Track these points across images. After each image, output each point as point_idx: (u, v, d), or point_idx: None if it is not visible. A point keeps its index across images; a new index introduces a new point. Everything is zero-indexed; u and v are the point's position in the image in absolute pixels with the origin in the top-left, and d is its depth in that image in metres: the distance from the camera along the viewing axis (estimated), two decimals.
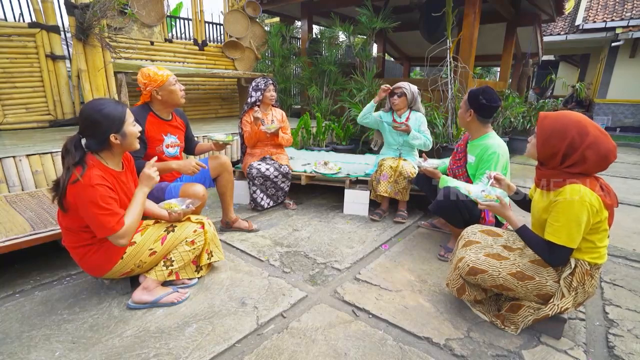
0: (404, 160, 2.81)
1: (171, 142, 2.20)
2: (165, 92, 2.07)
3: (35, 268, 2.05)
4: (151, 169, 1.64)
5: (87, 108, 1.47)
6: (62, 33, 4.20)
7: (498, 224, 2.12)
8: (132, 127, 1.55)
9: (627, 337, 1.57)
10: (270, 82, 3.02)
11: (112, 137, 1.48)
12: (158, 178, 1.66)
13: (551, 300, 1.46)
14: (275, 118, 3.09)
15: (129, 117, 1.56)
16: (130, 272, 1.68)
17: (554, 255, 1.40)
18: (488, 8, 5.20)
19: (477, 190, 1.67)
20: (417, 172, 2.65)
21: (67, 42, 4.40)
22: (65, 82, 4.19)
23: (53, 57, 4.05)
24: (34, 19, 3.97)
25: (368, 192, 2.92)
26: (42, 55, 3.98)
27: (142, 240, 1.65)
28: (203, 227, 1.81)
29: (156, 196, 2.04)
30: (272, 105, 3.13)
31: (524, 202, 1.72)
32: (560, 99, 10.72)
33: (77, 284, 1.90)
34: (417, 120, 2.87)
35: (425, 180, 2.47)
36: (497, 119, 5.30)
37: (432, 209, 2.16)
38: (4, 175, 2.53)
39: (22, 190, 2.60)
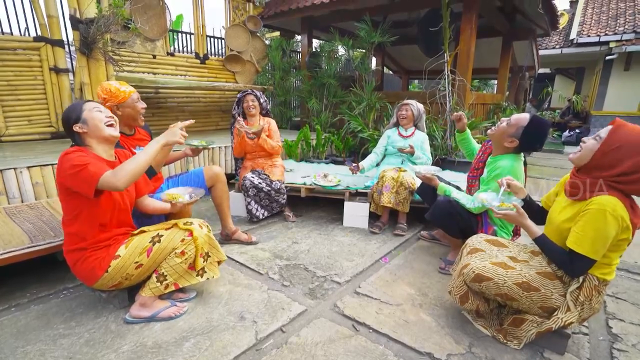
0: (404, 171, 2.84)
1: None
2: (126, 109, 1.98)
3: (32, 281, 2.03)
4: (178, 128, 1.63)
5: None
6: (66, 47, 4.26)
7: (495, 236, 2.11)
8: (93, 113, 1.55)
9: (632, 353, 1.54)
10: (248, 92, 3.06)
11: (76, 128, 1.53)
12: (182, 139, 1.61)
13: (555, 314, 1.44)
14: (262, 126, 3.06)
15: (89, 105, 1.57)
16: (119, 284, 1.63)
17: (575, 266, 1.36)
18: (484, 23, 5.30)
19: (491, 199, 1.59)
20: (417, 182, 2.67)
21: (70, 55, 4.46)
22: (68, 94, 4.23)
23: (57, 70, 4.10)
24: (39, 33, 4.04)
25: (368, 204, 2.92)
26: (46, 68, 4.03)
27: (127, 254, 1.58)
28: (191, 234, 1.68)
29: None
30: (262, 115, 3.17)
31: (534, 211, 1.68)
32: (557, 111, 10.83)
33: (74, 298, 1.88)
34: (420, 139, 3.04)
35: (428, 190, 2.47)
36: None
37: (428, 217, 2.16)
38: (4, 187, 2.53)
39: (22, 201, 2.59)
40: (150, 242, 1.62)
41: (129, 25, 4.23)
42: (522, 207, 1.55)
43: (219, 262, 1.86)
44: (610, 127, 1.34)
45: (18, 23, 4.21)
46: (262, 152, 3.11)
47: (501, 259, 1.58)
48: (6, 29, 4.19)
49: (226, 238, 2.60)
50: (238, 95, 3.09)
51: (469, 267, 1.54)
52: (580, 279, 1.40)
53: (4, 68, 3.81)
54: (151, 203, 1.79)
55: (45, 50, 4.00)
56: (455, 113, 2.43)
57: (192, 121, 1.87)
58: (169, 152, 2.11)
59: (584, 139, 1.39)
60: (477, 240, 1.75)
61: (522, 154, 1.98)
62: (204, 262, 1.76)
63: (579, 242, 1.32)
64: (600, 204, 1.27)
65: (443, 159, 4.14)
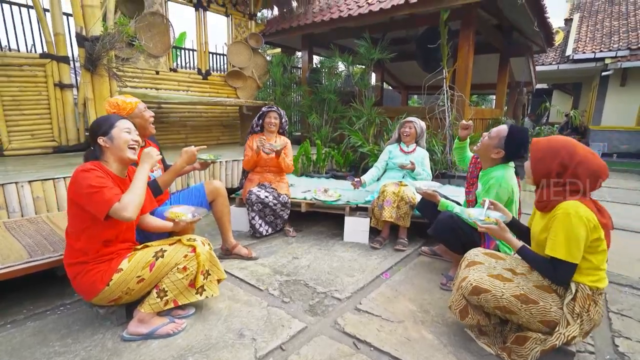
0: (405, 185, 2.85)
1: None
2: (135, 121, 2.01)
3: (29, 297, 2.01)
4: (151, 148, 1.67)
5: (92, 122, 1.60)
6: (71, 63, 4.34)
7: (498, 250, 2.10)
8: (122, 133, 1.58)
9: None
10: (273, 109, 3.10)
11: (100, 140, 1.55)
12: (158, 157, 1.67)
13: (557, 329, 1.42)
14: (284, 145, 3.11)
15: (122, 124, 1.60)
16: (119, 299, 1.62)
17: (558, 272, 1.41)
18: (482, 39, 5.41)
19: (476, 214, 1.70)
20: (418, 197, 2.67)
21: (75, 71, 4.54)
22: (72, 109, 4.28)
23: (61, 86, 4.17)
24: (45, 49, 4.13)
25: (368, 219, 2.92)
26: (51, 84, 4.10)
27: (130, 267, 1.58)
28: (194, 250, 1.69)
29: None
30: (278, 133, 3.19)
31: (521, 233, 1.72)
32: (555, 125, 10.92)
33: (71, 314, 1.85)
34: (421, 155, 3.09)
35: (428, 205, 2.47)
36: None
37: (431, 232, 2.15)
38: (5, 201, 2.53)
39: (22, 216, 2.59)
40: (153, 256, 1.62)
41: (134, 43, 4.32)
42: (513, 230, 1.69)
43: (218, 281, 1.88)
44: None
45: (25, 40, 4.30)
46: (273, 167, 3.12)
47: (499, 271, 1.59)
48: (13, 45, 4.28)
49: (226, 253, 2.58)
50: (263, 109, 3.11)
51: (466, 280, 1.54)
52: (573, 289, 1.41)
53: (10, 84, 3.87)
54: (153, 221, 1.79)
55: (51, 66, 4.08)
56: (464, 122, 2.43)
57: (204, 146, 2.07)
58: (176, 174, 2.12)
59: (525, 163, 1.56)
60: (475, 253, 1.76)
61: (511, 163, 2.05)
62: (204, 279, 1.77)
63: (554, 248, 1.39)
64: (563, 209, 1.37)
65: (443, 174, 4.15)
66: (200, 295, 1.76)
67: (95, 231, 1.54)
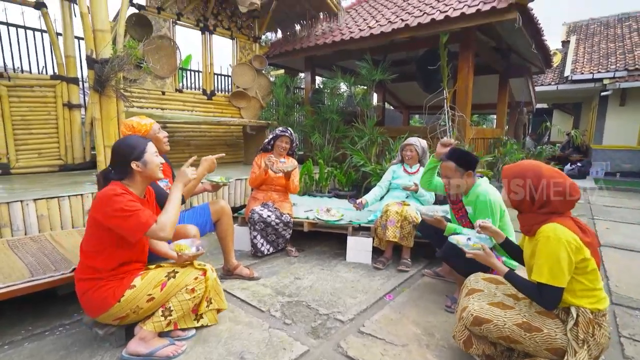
0: (408, 205, 2.84)
1: (164, 186, 2.23)
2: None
3: (28, 316, 1.99)
4: (187, 167, 1.75)
5: (116, 143, 1.63)
6: (80, 83, 4.46)
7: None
8: (153, 157, 1.64)
9: None
10: (287, 133, 3.12)
11: (133, 165, 1.59)
12: (193, 176, 1.75)
13: (565, 358, 1.38)
14: (294, 167, 3.14)
15: (151, 148, 1.66)
16: (125, 317, 1.62)
17: (544, 297, 1.39)
18: (481, 61, 5.53)
19: (464, 239, 1.73)
20: (420, 217, 2.66)
21: (84, 91, 4.66)
22: (79, 129, 4.37)
23: (70, 106, 4.27)
24: (56, 71, 4.25)
25: (371, 239, 2.90)
26: (60, 104, 4.20)
27: (142, 285, 1.61)
28: (205, 274, 1.76)
29: None
30: (288, 155, 3.23)
31: (515, 253, 1.71)
32: (557, 144, 10.96)
33: (70, 335, 1.83)
34: None
35: (429, 226, 2.45)
36: (497, 165, 5.40)
37: (441, 256, 2.13)
38: (9, 219, 2.55)
39: (25, 234, 2.60)
40: (165, 276, 1.67)
41: (141, 65, 4.44)
42: (505, 248, 1.72)
43: (218, 311, 1.92)
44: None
45: (37, 62, 4.44)
46: (279, 186, 3.14)
47: (500, 298, 1.56)
48: (25, 67, 4.41)
49: (227, 273, 2.56)
50: (276, 131, 3.14)
51: (467, 311, 1.51)
52: (574, 314, 1.37)
53: (20, 104, 3.97)
54: (161, 246, 1.83)
55: (61, 87, 4.19)
56: (445, 139, 2.39)
57: (222, 155, 2.19)
58: (197, 181, 2.17)
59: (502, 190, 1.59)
60: (474, 279, 1.73)
61: (484, 179, 2.20)
62: (207, 306, 1.82)
63: (538, 272, 1.38)
64: (544, 232, 1.38)
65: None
66: (198, 322, 1.82)
67: (113, 252, 1.57)
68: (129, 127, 2.05)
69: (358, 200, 3.01)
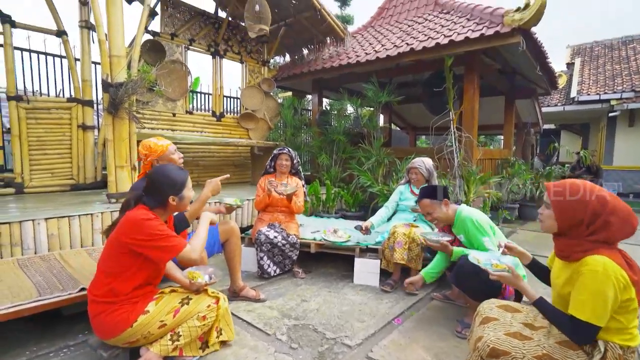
0: (417, 226, 2.81)
1: None
2: (165, 162, 2.14)
3: (33, 336, 1.98)
4: (212, 214, 1.87)
5: (156, 172, 1.67)
6: (94, 105, 4.61)
7: (519, 296, 2.01)
8: (189, 192, 1.71)
9: None
10: (284, 151, 3.16)
11: (170, 199, 1.63)
12: (216, 219, 1.88)
13: None
14: (290, 185, 3.15)
15: (189, 182, 1.71)
16: (136, 342, 1.61)
17: (579, 333, 1.28)
18: (486, 83, 5.58)
19: (486, 259, 1.61)
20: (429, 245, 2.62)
21: (98, 113, 4.81)
22: (91, 149, 4.48)
23: (84, 127, 4.40)
24: (72, 94, 4.41)
25: (379, 261, 2.86)
26: (75, 125, 4.34)
27: (156, 310, 1.60)
28: (218, 302, 1.77)
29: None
30: (291, 174, 3.24)
31: (543, 274, 1.64)
32: (566, 165, 10.85)
33: (74, 357, 1.81)
34: None
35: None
36: (505, 185, 5.35)
37: (452, 280, 2.08)
38: (21, 238, 2.58)
39: (35, 253, 2.62)
40: (179, 302, 1.67)
41: (154, 88, 4.59)
42: (534, 271, 1.60)
43: (224, 342, 1.90)
44: (546, 192, 1.44)
45: (55, 85, 4.63)
46: (284, 207, 3.15)
47: (516, 327, 1.47)
48: (42, 90, 4.59)
49: (234, 294, 2.53)
50: (274, 152, 3.20)
51: (482, 341, 1.43)
52: (602, 348, 1.28)
53: (37, 126, 4.11)
54: (174, 270, 1.84)
55: (76, 109, 4.34)
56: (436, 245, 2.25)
57: (227, 176, 2.29)
58: (202, 203, 2.18)
59: (540, 210, 1.47)
60: (488, 307, 1.65)
61: (463, 205, 2.26)
62: (216, 337, 1.80)
63: (579, 309, 1.27)
64: (591, 265, 1.25)
65: None
66: (203, 351, 1.80)
67: (133, 275, 1.58)
68: (146, 147, 2.12)
69: (363, 226, 2.98)
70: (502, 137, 8.15)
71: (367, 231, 2.96)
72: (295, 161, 3.25)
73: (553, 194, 1.39)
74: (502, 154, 6.20)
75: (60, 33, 4.33)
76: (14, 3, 4.89)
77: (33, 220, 2.63)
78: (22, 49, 4.28)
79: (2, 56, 3.96)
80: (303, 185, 3.31)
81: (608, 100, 8.95)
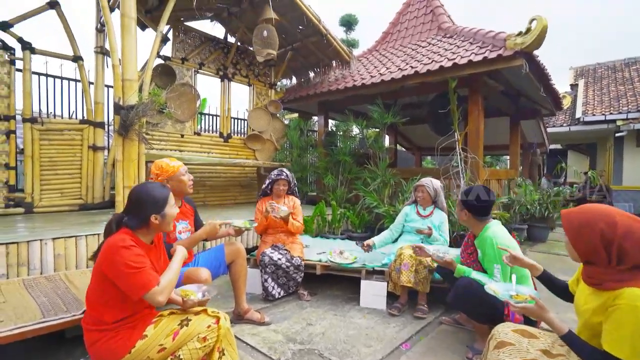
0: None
1: (183, 228, 2.26)
2: (174, 182, 2.17)
3: (35, 358, 1.95)
4: (185, 251, 1.76)
5: (135, 190, 1.63)
6: (105, 127, 4.73)
7: (528, 321, 1.94)
8: (171, 209, 1.65)
9: None
10: (283, 176, 3.09)
11: (152, 217, 1.58)
12: (187, 256, 1.75)
13: None
14: (287, 205, 3.13)
15: (171, 199, 1.67)
16: None
17: None
18: (491, 104, 5.63)
19: (504, 290, 1.52)
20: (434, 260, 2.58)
21: (108, 134, 4.92)
22: (101, 170, 4.55)
23: (94, 148, 4.49)
24: (85, 116, 4.54)
25: (385, 283, 2.81)
26: (85, 146, 4.43)
27: (154, 334, 1.55)
28: (218, 322, 1.69)
29: None
30: (287, 194, 3.24)
31: (557, 289, 1.58)
32: (574, 185, 10.73)
33: None
34: (439, 219, 3.02)
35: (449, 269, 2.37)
36: (513, 206, 5.29)
37: (450, 300, 2.03)
38: (28, 258, 2.59)
39: (41, 273, 2.63)
40: (178, 324, 1.60)
41: (164, 110, 4.71)
42: (545, 283, 1.54)
43: None
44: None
45: (69, 107, 4.78)
46: (285, 228, 3.13)
47: (533, 355, 1.40)
48: (55, 111, 4.73)
49: (238, 317, 2.49)
50: (272, 176, 3.11)
51: None
52: None
53: (50, 146, 4.21)
54: None
55: (88, 131, 4.45)
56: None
57: (229, 222, 2.29)
58: (194, 243, 2.21)
59: (564, 238, 1.41)
60: (503, 331, 1.58)
61: (496, 221, 2.14)
62: (219, 357, 1.70)
63: (616, 346, 1.17)
64: (629, 298, 1.15)
65: (461, 235, 4.04)
66: None
67: (119, 305, 1.53)
68: (158, 167, 2.16)
69: (365, 242, 2.98)
70: (508, 157, 8.13)
71: (368, 248, 2.95)
72: (292, 185, 3.21)
73: (565, 221, 1.34)
74: (508, 175, 6.16)
75: (77, 58, 4.50)
76: (36, 30, 5.14)
77: (41, 240, 2.65)
78: (39, 74, 4.45)
79: (20, 80, 4.12)
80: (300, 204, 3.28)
81: (614, 121, 8.94)
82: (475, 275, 2.03)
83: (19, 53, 4.12)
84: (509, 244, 1.98)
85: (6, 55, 3.99)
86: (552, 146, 12.00)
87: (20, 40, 4.10)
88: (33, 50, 4.19)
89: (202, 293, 1.74)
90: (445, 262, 2.17)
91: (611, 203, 9.09)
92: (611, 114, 9.06)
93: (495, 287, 1.57)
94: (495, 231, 2.05)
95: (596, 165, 11.84)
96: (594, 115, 9.37)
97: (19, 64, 4.11)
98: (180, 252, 1.71)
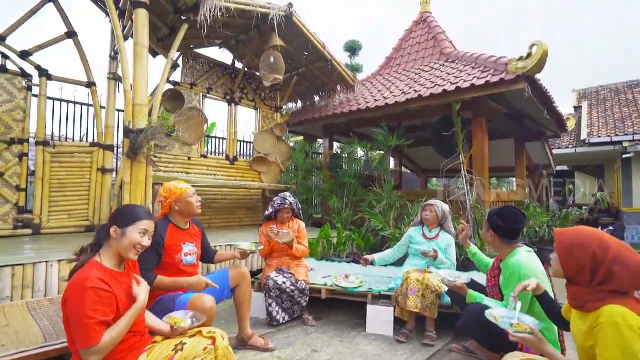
0: (430, 272, 2.71)
1: (189, 250, 2.25)
2: (182, 204, 2.19)
3: None
4: (143, 290, 1.56)
5: (123, 206, 1.62)
6: (115, 150, 4.83)
7: None
8: (136, 234, 1.52)
9: None
10: (287, 204, 3.05)
11: (112, 229, 1.49)
12: (146, 301, 1.55)
13: None
14: (291, 229, 3.11)
15: (141, 224, 1.55)
16: None
17: None
18: (495, 126, 5.66)
19: (505, 317, 1.49)
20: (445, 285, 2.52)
21: (117, 156, 5.01)
22: (108, 192, 4.61)
23: (103, 170, 4.57)
24: (95, 139, 4.65)
25: (392, 308, 2.74)
26: (95, 168, 4.51)
27: None
28: (214, 343, 1.60)
29: (167, 306, 1.99)
30: (291, 218, 3.22)
31: (552, 311, 1.55)
32: (584, 207, 10.56)
33: None
34: (446, 242, 2.97)
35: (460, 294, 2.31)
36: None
37: (461, 326, 1.97)
38: (33, 280, 2.59)
39: (45, 295, 2.61)
40: (173, 350, 1.53)
41: (172, 134, 4.81)
42: (542, 304, 1.54)
43: None
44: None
45: (80, 130, 4.91)
46: (289, 252, 3.10)
47: None
48: (67, 134, 4.86)
49: (242, 343, 2.43)
50: (276, 205, 3.08)
51: None
52: None
53: (60, 169, 4.29)
54: (153, 322, 1.70)
55: (97, 153, 4.54)
56: (460, 225, 2.44)
57: (216, 287, 2.14)
58: (175, 287, 2.09)
59: (551, 255, 1.43)
60: None
61: (526, 248, 2.00)
62: None
63: None
64: (608, 316, 1.18)
65: (469, 259, 3.97)
66: None
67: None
68: (166, 190, 2.19)
69: (364, 257, 3.01)
70: (514, 179, 8.09)
71: (365, 262, 2.98)
72: (296, 210, 3.17)
73: (558, 239, 1.38)
74: (516, 197, 6.10)
75: (90, 84, 4.67)
76: (53, 57, 5.36)
77: (47, 262, 2.66)
78: (54, 99, 4.60)
79: (35, 105, 4.26)
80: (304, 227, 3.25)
81: (620, 142, 8.90)
82: (488, 302, 1.97)
83: (36, 79, 4.29)
84: (533, 275, 1.82)
85: (24, 82, 4.15)
86: (559, 167, 11.93)
87: (38, 67, 4.29)
88: (49, 77, 4.36)
89: (191, 320, 1.68)
90: (456, 287, 2.10)
91: (623, 226, 8.90)
92: (617, 135, 9.04)
93: (497, 313, 1.54)
94: (522, 260, 1.88)
95: (605, 187, 11.69)
96: (599, 136, 9.35)
97: (35, 90, 4.27)
98: (137, 305, 1.50)
